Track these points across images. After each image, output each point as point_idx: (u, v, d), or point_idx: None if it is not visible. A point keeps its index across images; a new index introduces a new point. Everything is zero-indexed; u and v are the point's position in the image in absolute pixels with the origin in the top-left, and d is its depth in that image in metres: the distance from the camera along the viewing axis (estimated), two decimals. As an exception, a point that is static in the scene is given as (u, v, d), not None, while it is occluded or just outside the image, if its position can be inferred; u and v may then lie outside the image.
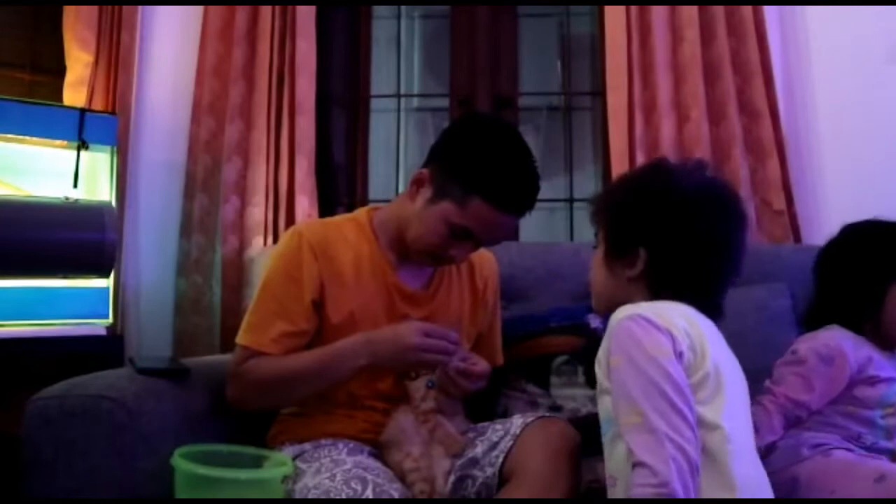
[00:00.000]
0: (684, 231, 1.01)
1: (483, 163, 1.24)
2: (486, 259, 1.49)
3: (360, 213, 1.42)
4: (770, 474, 0.96)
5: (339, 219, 1.45)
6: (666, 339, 0.91)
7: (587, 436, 1.34)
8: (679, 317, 0.96)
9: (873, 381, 1.25)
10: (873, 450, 1.23)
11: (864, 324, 1.31)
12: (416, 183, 1.31)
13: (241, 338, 1.30)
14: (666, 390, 0.87)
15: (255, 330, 1.29)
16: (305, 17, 2.17)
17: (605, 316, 1.65)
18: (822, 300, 1.38)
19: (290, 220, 2.12)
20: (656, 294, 1.02)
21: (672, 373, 0.89)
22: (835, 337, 1.29)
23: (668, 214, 1.02)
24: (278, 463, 1.15)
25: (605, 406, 0.99)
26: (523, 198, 1.27)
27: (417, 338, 1.21)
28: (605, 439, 1.00)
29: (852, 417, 1.26)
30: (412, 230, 1.31)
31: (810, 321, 1.38)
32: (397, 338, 1.22)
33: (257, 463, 1.17)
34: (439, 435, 1.24)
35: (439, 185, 1.27)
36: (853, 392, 1.26)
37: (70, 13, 2.15)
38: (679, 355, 0.91)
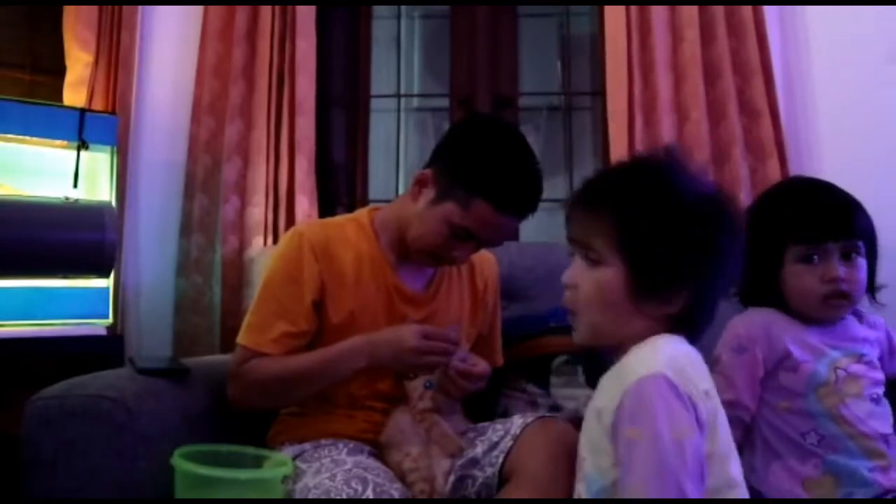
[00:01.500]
0: (727, 268, 0.88)
1: (487, 165, 1.25)
2: (486, 260, 1.49)
3: (361, 213, 1.42)
4: None
5: (340, 219, 1.45)
6: (689, 411, 0.80)
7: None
8: (689, 365, 0.84)
9: (795, 366, 1.15)
10: (824, 446, 1.13)
11: (779, 297, 1.19)
12: (419, 183, 1.31)
13: (241, 338, 1.30)
14: (683, 482, 0.77)
15: (255, 330, 1.29)
16: (305, 17, 2.17)
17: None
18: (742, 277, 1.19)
19: (290, 220, 2.12)
20: (666, 329, 0.88)
21: (690, 459, 0.78)
22: (745, 322, 1.20)
23: (723, 246, 0.87)
24: (278, 463, 1.15)
25: (600, 465, 0.85)
26: (527, 200, 1.27)
27: (416, 340, 1.21)
28: (587, 489, 0.87)
29: (791, 413, 1.16)
30: (413, 230, 1.31)
31: (744, 303, 1.25)
32: (397, 340, 1.22)
33: (257, 463, 1.17)
34: (436, 435, 1.24)
35: (442, 185, 1.27)
36: (779, 381, 1.16)
37: (70, 13, 2.15)
38: (701, 425, 0.81)
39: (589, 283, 0.89)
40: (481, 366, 1.28)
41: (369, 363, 1.24)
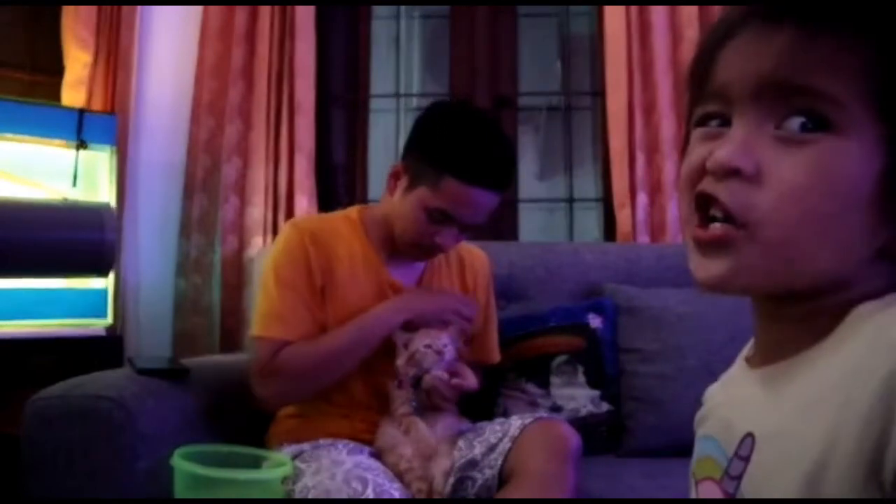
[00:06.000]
0: None
1: (449, 141, 1.27)
2: (476, 256, 1.50)
3: (352, 210, 1.44)
4: None
5: (333, 215, 1.46)
6: None
7: (587, 436, 1.34)
8: None
9: None
10: None
11: None
12: (393, 176, 1.34)
13: (263, 330, 1.28)
14: None
15: (278, 320, 1.28)
16: (305, 17, 2.17)
17: (606, 315, 1.67)
18: None
19: (290, 220, 2.12)
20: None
21: None
22: None
23: None
24: (278, 463, 1.15)
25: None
26: (493, 170, 1.28)
27: (457, 301, 1.35)
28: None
29: None
30: (397, 224, 1.33)
31: None
32: (439, 296, 1.35)
33: (256, 463, 1.17)
34: (413, 436, 1.25)
35: (413, 174, 1.30)
36: None
37: (69, 13, 2.14)
38: None
39: (796, 167, 0.45)
40: (469, 380, 1.29)
41: (410, 315, 1.30)
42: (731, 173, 0.46)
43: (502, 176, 1.30)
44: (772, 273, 0.47)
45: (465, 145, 1.26)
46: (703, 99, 0.51)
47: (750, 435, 0.48)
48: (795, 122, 0.45)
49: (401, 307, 1.31)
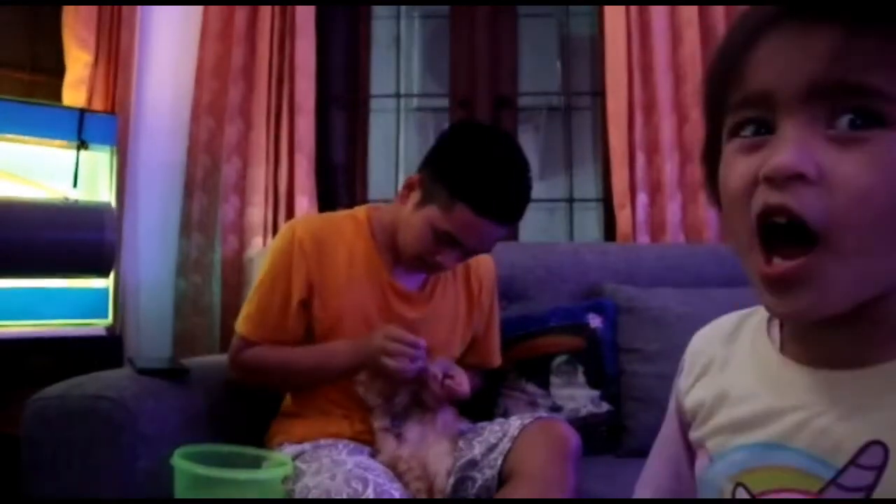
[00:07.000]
0: None
1: (470, 169, 1.24)
2: (482, 260, 1.49)
3: (360, 210, 1.43)
4: None
5: (339, 214, 1.45)
6: None
7: (587, 436, 1.34)
8: None
9: None
10: None
11: None
12: (408, 187, 1.32)
13: (238, 325, 1.35)
14: None
15: (249, 321, 1.33)
16: (305, 17, 2.17)
17: (606, 315, 1.67)
18: None
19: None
20: None
21: None
22: None
23: None
24: (278, 463, 1.15)
25: None
26: (508, 206, 1.26)
27: (380, 340, 1.22)
28: None
29: None
30: (402, 235, 1.31)
31: None
32: (370, 339, 1.25)
33: (257, 463, 1.17)
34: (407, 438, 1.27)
35: (427, 189, 1.27)
36: None
37: (69, 13, 2.14)
38: None
39: (858, 167, 0.44)
40: (463, 387, 1.29)
41: (352, 363, 1.27)
42: (792, 178, 0.45)
43: (516, 210, 1.28)
44: (856, 286, 0.46)
45: (484, 176, 1.24)
46: (737, 106, 0.49)
47: (878, 443, 0.46)
48: (844, 120, 0.45)
49: (347, 353, 1.28)
